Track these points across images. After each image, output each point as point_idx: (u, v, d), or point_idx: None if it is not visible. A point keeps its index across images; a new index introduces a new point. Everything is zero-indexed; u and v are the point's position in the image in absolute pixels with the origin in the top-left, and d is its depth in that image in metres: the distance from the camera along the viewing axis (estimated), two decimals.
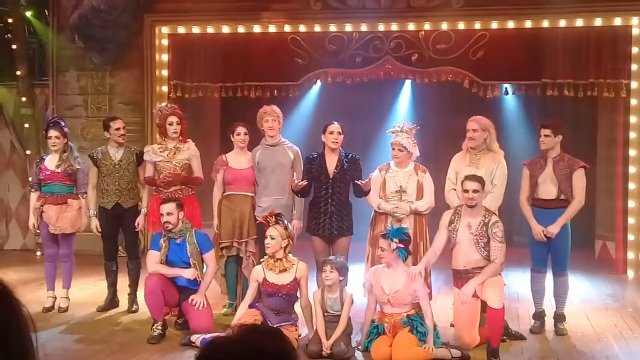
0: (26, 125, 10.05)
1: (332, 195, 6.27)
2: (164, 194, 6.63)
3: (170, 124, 6.78)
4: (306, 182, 6.21)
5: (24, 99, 10.04)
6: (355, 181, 6.14)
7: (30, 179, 7.36)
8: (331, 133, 6.32)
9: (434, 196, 6.28)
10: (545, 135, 6.26)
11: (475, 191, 5.61)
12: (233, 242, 6.67)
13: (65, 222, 6.79)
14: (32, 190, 7.04)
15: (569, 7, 8.80)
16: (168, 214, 6.02)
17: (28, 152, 9.92)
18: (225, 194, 6.78)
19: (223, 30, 9.60)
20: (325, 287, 5.72)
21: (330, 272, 5.64)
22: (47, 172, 6.85)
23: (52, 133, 6.83)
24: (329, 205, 6.28)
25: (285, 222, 5.85)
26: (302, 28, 9.38)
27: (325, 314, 5.68)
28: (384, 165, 6.40)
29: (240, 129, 6.80)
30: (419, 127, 6.46)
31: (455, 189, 6.18)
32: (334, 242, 6.32)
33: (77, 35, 9.59)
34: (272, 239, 5.72)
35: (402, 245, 5.57)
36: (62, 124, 6.97)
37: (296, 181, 6.22)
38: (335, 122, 6.40)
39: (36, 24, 10.13)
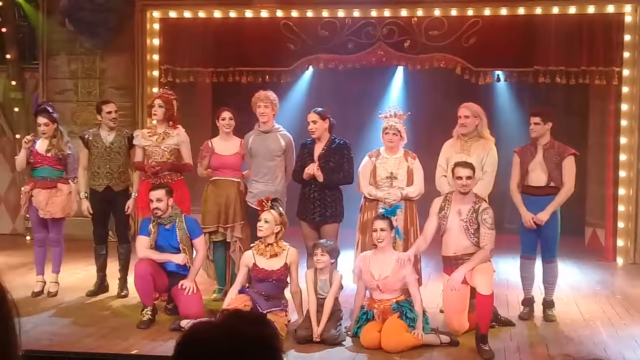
0: (16, 109, 9.99)
1: (315, 181, 6.25)
2: (153, 178, 6.61)
3: (152, 107, 6.79)
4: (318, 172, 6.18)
5: (13, 82, 9.98)
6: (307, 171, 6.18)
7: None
8: (308, 123, 6.32)
9: (425, 182, 6.29)
10: (535, 123, 6.25)
11: (468, 178, 5.61)
12: (218, 227, 6.65)
13: (55, 207, 6.77)
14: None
15: None
16: (158, 200, 6.00)
17: (17, 136, 9.86)
18: (211, 179, 6.76)
19: (215, 15, 9.54)
20: (317, 269, 5.73)
21: (322, 255, 5.65)
22: (37, 156, 6.82)
23: (41, 120, 6.80)
24: (312, 191, 6.27)
25: (281, 209, 5.85)
26: (294, 13, 9.34)
27: (316, 296, 5.69)
28: (374, 151, 6.39)
29: (225, 114, 6.76)
30: (409, 113, 6.46)
31: (446, 176, 6.18)
32: (321, 228, 6.31)
33: (67, 19, 9.51)
34: (266, 222, 5.72)
35: (398, 225, 5.64)
36: (51, 110, 6.93)
37: (308, 170, 6.19)
38: (315, 110, 6.37)
39: (26, 7, 10.04)
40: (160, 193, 6.03)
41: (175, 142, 6.75)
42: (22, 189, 7.09)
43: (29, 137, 6.89)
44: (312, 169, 6.18)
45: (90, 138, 6.88)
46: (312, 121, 6.29)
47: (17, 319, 1.46)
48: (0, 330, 1.42)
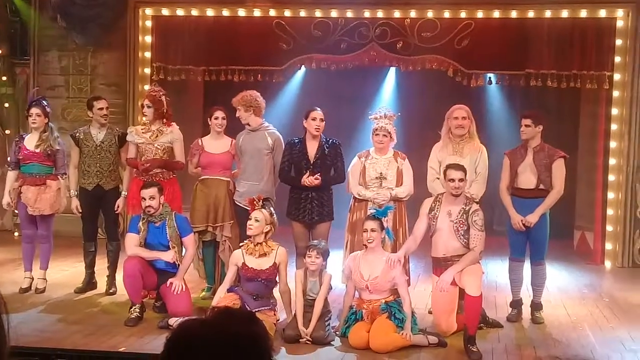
0: (6, 105, 9.94)
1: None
2: (146, 176, 6.59)
3: (142, 107, 6.78)
4: (319, 180, 6.14)
5: (4, 78, 9.93)
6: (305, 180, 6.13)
7: (8, 158, 7.29)
8: (314, 119, 6.28)
9: (415, 183, 6.30)
10: (526, 125, 6.28)
11: (460, 180, 5.63)
12: (207, 227, 6.63)
13: (43, 203, 6.74)
14: (10, 168, 6.98)
15: None
16: (150, 197, 5.98)
17: (7, 131, 9.83)
18: (200, 178, 6.74)
19: (207, 13, 9.52)
20: (307, 270, 5.72)
21: (316, 257, 5.64)
22: (26, 152, 6.78)
23: (34, 110, 6.78)
24: (310, 191, 6.25)
25: (271, 208, 5.84)
26: (287, 13, 9.33)
27: (305, 297, 5.68)
28: (364, 152, 6.40)
29: (218, 113, 6.74)
30: (399, 114, 6.47)
31: (439, 178, 6.18)
32: (314, 228, 6.31)
33: (59, 15, 9.47)
34: (257, 220, 5.72)
35: (388, 226, 5.65)
36: (45, 103, 6.93)
37: (306, 178, 6.14)
38: (318, 109, 6.37)
39: (18, 2, 9.97)
40: (152, 191, 6.01)
41: (169, 139, 6.73)
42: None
43: (11, 202, 6.84)
44: (311, 180, 6.13)
45: (81, 136, 6.85)
46: (320, 119, 6.28)
47: (6, 315, 1.46)
48: None
